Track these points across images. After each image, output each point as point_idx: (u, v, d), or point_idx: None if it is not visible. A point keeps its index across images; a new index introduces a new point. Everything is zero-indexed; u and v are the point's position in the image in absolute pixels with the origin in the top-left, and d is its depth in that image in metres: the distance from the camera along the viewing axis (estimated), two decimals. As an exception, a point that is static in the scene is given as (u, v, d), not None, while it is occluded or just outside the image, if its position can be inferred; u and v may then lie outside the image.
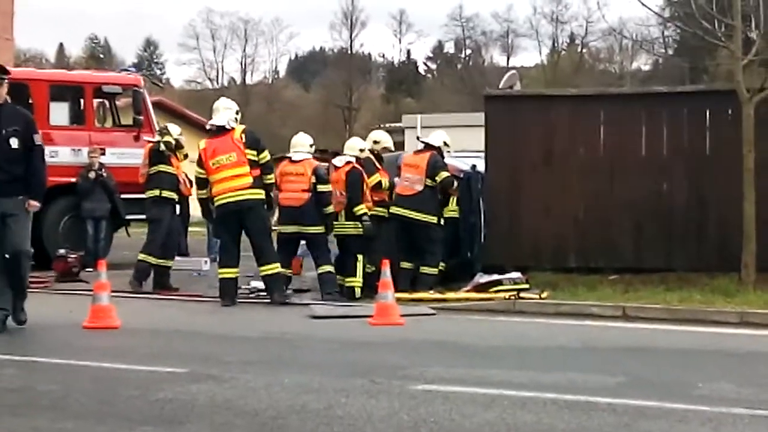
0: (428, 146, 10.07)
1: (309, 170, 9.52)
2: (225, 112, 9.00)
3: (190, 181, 10.61)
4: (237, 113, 9.06)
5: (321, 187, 9.48)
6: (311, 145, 9.94)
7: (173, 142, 10.59)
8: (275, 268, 8.97)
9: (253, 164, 8.79)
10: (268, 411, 4.64)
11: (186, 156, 10.84)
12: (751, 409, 4.72)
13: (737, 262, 9.46)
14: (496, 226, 10.47)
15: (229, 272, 9.02)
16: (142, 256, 10.36)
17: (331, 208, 9.48)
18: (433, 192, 9.82)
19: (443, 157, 10.03)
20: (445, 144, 10.09)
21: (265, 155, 8.92)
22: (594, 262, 10.28)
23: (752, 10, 10.21)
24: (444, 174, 9.79)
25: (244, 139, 8.80)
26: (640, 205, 10.23)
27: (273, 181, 9.13)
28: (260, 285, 9.47)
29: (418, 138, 10.53)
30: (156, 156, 10.49)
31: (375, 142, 10.38)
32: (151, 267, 10.36)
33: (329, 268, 9.51)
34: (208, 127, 9.30)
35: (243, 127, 8.97)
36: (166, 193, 10.45)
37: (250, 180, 8.73)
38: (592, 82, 39.47)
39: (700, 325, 8.01)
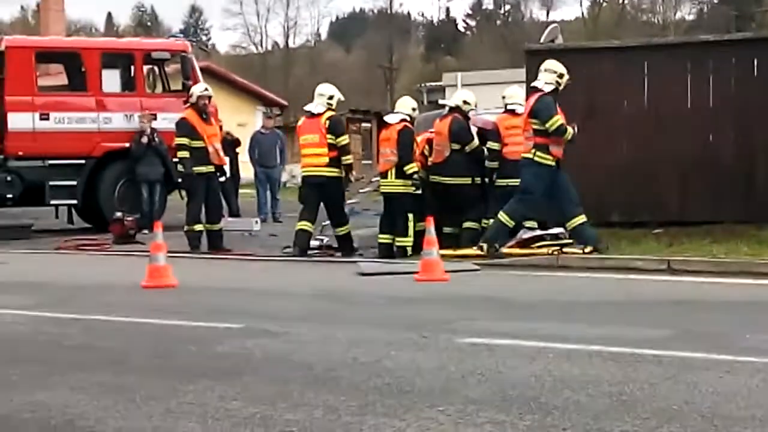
0: (451, 109, 10.11)
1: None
2: (319, 99, 10.20)
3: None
4: (331, 98, 10.18)
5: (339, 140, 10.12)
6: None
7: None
8: (346, 229, 10.20)
9: (332, 147, 10.01)
10: (321, 363, 4.81)
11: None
12: (799, 359, 4.69)
13: (786, 213, 9.37)
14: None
15: (305, 225, 10.09)
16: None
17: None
18: (462, 154, 9.86)
19: (468, 117, 10.03)
20: (466, 102, 10.01)
21: (343, 139, 10.14)
22: (638, 216, 10.24)
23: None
24: (473, 144, 9.88)
25: (327, 125, 10.04)
26: (685, 157, 10.13)
27: (350, 162, 10.27)
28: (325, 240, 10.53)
29: (436, 102, 10.66)
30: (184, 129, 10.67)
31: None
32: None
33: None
34: (306, 109, 10.46)
35: (330, 114, 10.15)
36: (195, 169, 10.55)
37: (326, 160, 10.00)
38: (634, 34, 38.29)
39: (747, 277, 7.93)
